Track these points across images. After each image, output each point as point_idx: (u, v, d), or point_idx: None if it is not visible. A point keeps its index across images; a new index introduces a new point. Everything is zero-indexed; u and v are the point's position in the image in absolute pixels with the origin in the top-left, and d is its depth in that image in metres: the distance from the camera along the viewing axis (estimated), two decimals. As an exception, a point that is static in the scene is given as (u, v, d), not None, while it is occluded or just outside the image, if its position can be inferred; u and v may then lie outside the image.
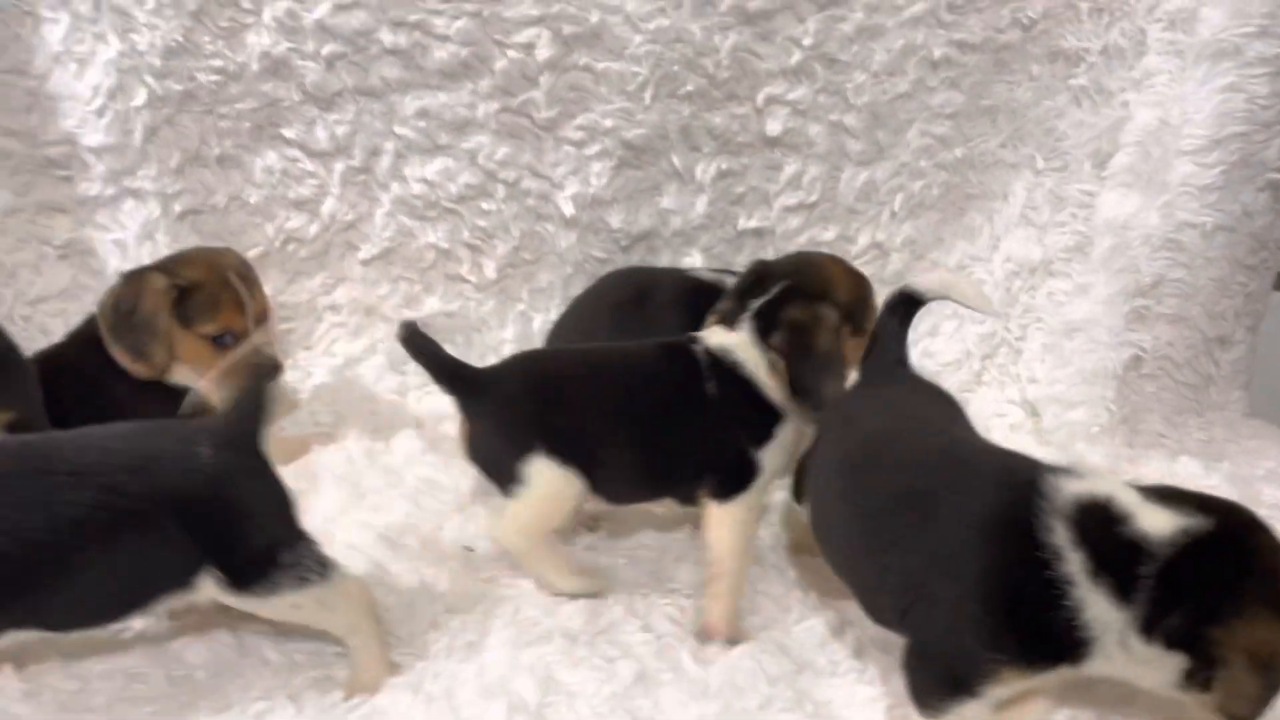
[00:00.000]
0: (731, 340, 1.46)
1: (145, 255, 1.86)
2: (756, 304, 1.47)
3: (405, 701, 1.20)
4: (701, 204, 2.05)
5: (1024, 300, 2.08)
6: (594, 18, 1.87)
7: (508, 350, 2.09)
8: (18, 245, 1.85)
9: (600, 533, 1.62)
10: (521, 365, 1.46)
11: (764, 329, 1.45)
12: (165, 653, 1.29)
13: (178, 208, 1.87)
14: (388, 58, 1.87)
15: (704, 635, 1.36)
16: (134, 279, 1.63)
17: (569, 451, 1.38)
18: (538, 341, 2.08)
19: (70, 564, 1.08)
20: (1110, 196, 1.95)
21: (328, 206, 1.94)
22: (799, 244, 2.07)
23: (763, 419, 1.44)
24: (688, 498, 1.47)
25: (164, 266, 1.66)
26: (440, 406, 2.04)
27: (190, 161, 1.84)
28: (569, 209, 2.00)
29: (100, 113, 1.76)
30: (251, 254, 1.92)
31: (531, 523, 1.40)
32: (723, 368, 1.44)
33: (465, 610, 1.38)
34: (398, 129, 1.92)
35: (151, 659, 1.28)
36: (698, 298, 1.70)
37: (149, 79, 1.75)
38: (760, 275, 1.51)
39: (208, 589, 1.16)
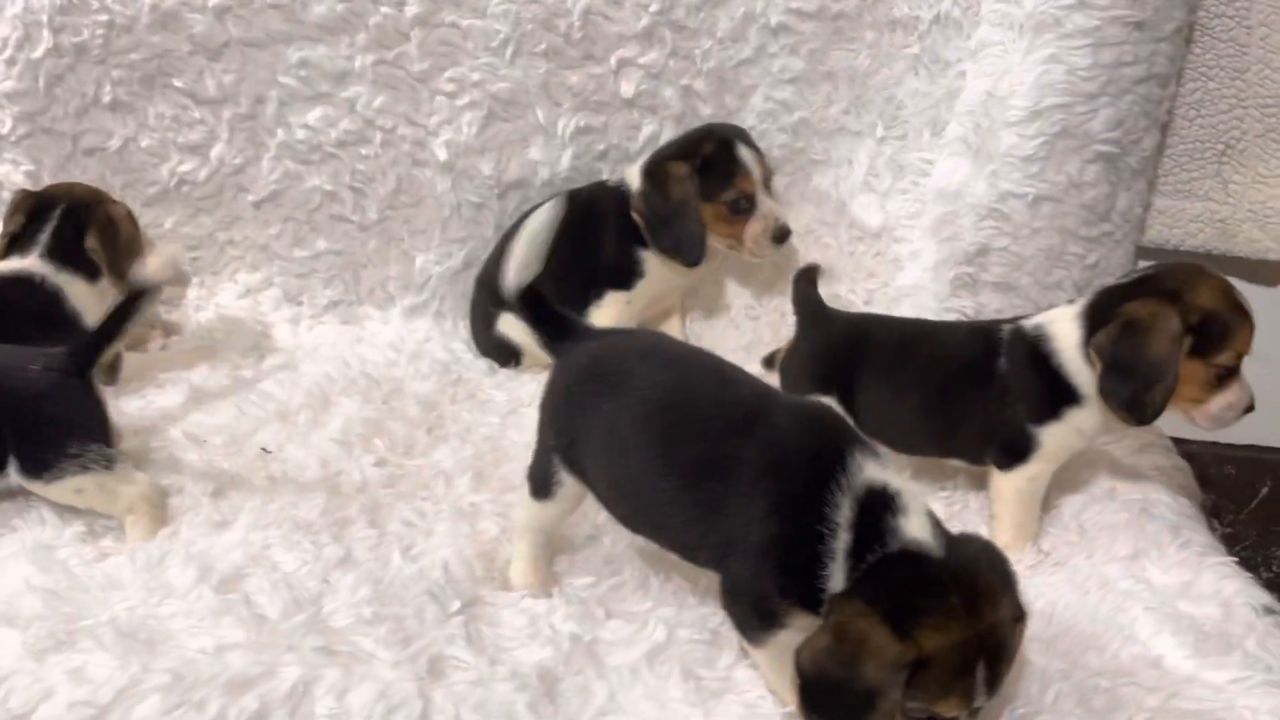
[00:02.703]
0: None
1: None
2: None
3: (125, 565, 1.41)
4: (567, 158, 2.18)
5: (868, 265, 2.15)
6: (458, -23, 2.02)
7: (393, 288, 2.28)
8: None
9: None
10: None
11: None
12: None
13: (84, 145, 2.11)
14: (270, 11, 2.06)
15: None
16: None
17: None
18: (417, 280, 2.25)
19: None
20: (943, 165, 2.01)
21: (216, 151, 2.15)
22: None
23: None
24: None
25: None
26: (326, 336, 2.27)
27: (90, 106, 2.08)
28: (443, 155, 2.16)
29: (11, 62, 2.02)
30: (150, 192, 2.15)
31: None
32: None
33: (227, 495, 1.59)
34: (281, 78, 2.11)
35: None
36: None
37: (47, 33, 1.99)
38: None
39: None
